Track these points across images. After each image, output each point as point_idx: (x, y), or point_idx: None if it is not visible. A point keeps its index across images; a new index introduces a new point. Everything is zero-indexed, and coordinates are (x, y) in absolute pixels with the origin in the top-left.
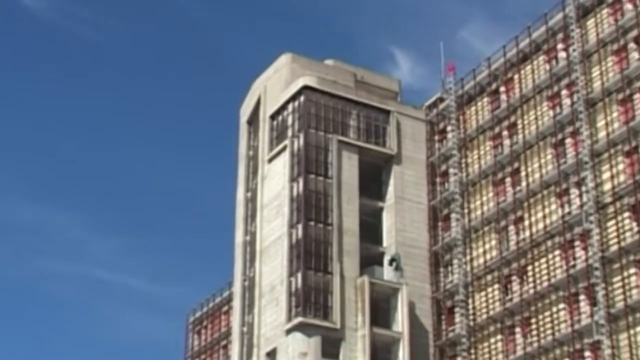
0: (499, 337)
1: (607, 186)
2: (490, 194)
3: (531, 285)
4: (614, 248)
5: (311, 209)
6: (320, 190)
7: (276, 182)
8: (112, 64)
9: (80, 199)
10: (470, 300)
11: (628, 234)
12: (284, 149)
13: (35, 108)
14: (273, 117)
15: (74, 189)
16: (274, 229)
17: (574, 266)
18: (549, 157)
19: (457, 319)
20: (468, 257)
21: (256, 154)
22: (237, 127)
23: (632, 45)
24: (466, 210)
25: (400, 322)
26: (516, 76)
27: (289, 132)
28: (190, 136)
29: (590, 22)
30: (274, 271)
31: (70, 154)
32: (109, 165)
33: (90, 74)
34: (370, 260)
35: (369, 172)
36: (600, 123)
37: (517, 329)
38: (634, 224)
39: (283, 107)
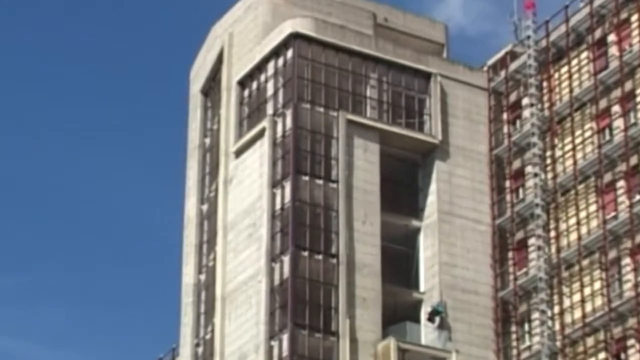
0: None
1: None
2: (592, 208)
3: None
4: None
5: (304, 230)
6: (319, 201)
7: (248, 187)
8: None
9: None
10: None
11: None
12: (260, 134)
13: None
14: (243, 83)
15: None
16: (244, 262)
17: None
18: None
19: None
20: (556, 310)
21: (216, 143)
22: (186, 99)
23: None
24: (553, 234)
25: None
26: (635, 17)
27: (269, 108)
28: (114, 114)
29: None
30: (244, 331)
31: None
32: None
33: None
34: (399, 314)
35: (398, 172)
36: None
37: None
38: None
39: (259, 67)
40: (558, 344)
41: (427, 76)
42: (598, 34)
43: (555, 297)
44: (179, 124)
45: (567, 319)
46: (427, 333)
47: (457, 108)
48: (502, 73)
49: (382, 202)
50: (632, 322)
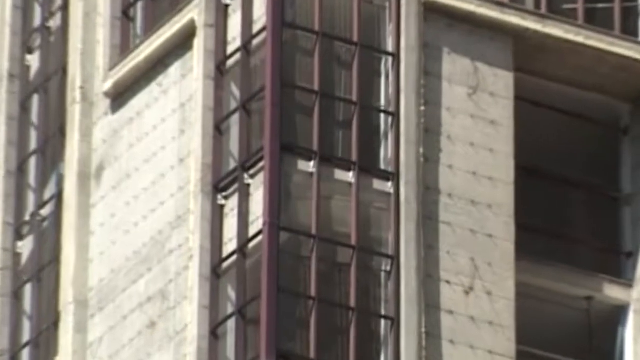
0: None
1: None
2: None
3: None
4: None
5: (301, 310)
6: (342, 232)
7: (150, 191)
8: None
9: None
10: None
11: None
12: (183, 44)
13: None
14: None
15: None
16: None
17: None
18: None
19: None
20: None
21: (60, 70)
22: None
23: None
24: None
25: None
26: None
27: None
28: None
29: None
30: None
31: None
32: None
33: None
34: None
35: (568, 150)
36: None
37: None
38: None
39: None
40: None
41: None
42: None
43: None
44: None
45: None
46: None
47: None
48: None
49: (520, 238)
50: None
